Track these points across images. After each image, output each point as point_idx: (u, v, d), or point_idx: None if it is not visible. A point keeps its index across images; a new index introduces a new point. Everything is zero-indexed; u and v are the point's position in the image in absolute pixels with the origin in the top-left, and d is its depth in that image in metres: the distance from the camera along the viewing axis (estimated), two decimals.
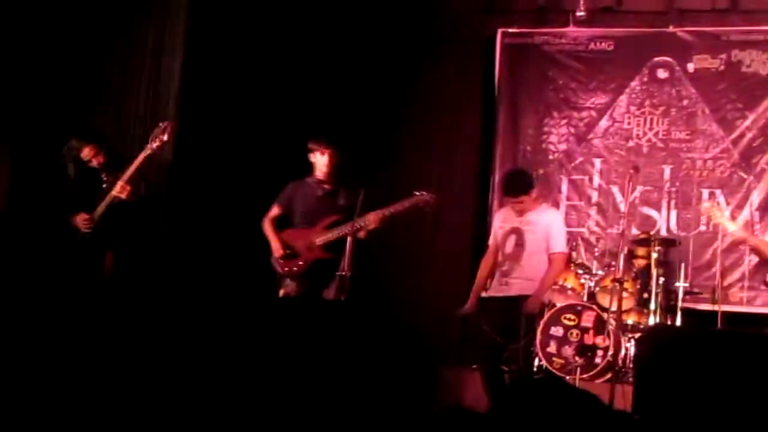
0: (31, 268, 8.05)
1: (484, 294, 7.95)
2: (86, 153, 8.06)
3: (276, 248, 8.31)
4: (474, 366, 8.37)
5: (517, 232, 7.74)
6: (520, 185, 7.78)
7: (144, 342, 6.48)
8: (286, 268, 8.27)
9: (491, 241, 8.03)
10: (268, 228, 8.41)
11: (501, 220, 7.94)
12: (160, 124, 8.20)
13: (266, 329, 6.26)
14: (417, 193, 8.17)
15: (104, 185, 8.05)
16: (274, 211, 8.42)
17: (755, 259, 9.65)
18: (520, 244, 7.70)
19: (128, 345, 6.44)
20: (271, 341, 6.13)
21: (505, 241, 7.77)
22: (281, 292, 8.25)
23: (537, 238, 7.69)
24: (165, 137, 8.02)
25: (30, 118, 9.14)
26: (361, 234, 7.99)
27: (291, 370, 6.02)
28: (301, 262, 8.22)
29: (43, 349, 6.30)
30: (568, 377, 8.51)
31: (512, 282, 7.71)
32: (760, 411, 5.07)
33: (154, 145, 7.98)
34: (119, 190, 7.90)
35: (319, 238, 8.19)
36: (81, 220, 8.00)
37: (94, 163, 8.08)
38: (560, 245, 7.80)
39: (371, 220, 7.99)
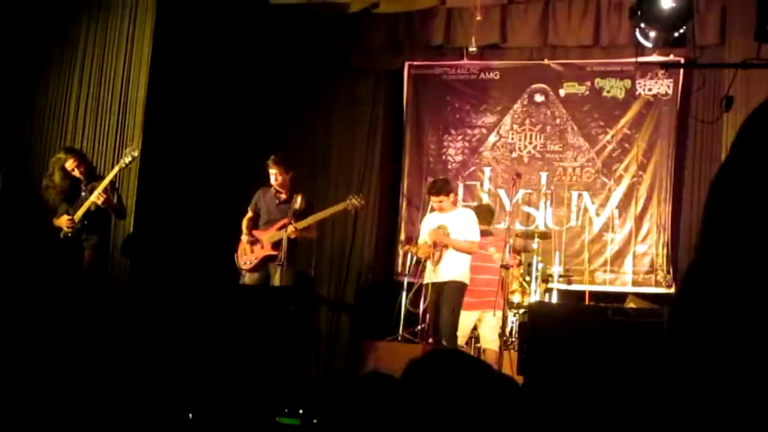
0: (16, 264, 8.16)
1: (422, 281, 8.32)
2: (70, 164, 8.16)
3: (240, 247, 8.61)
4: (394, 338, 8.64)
5: (441, 228, 8.17)
6: (442, 188, 8.24)
7: (124, 329, 6.58)
8: (242, 262, 8.52)
9: (420, 237, 8.51)
10: (243, 229, 8.60)
11: (428, 221, 8.42)
12: (131, 143, 8.36)
13: (227, 311, 6.48)
14: (350, 198, 8.42)
15: (83, 193, 8.17)
16: (249, 214, 8.64)
17: (616, 247, 9.95)
18: (446, 235, 8.12)
19: (111, 333, 6.54)
20: (229, 319, 6.36)
21: (435, 236, 8.19)
22: (241, 282, 8.47)
23: (458, 232, 8.11)
24: (135, 153, 8.15)
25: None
26: (293, 234, 8.21)
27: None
28: (254, 257, 8.46)
29: (31, 340, 6.31)
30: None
31: (441, 268, 8.06)
32: (618, 366, 5.38)
33: (126, 159, 8.11)
34: (96, 197, 8.01)
35: (268, 238, 8.42)
36: (64, 221, 8.09)
37: (77, 173, 8.16)
38: (474, 235, 8.18)
39: (303, 222, 8.24)
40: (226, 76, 10.16)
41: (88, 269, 8.05)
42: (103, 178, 8.10)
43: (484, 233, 8.63)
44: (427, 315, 8.26)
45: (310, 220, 8.27)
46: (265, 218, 8.53)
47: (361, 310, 10.28)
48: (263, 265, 8.41)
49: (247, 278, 8.45)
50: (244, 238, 8.54)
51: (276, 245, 8.27)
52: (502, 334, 8.31)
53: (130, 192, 8.77)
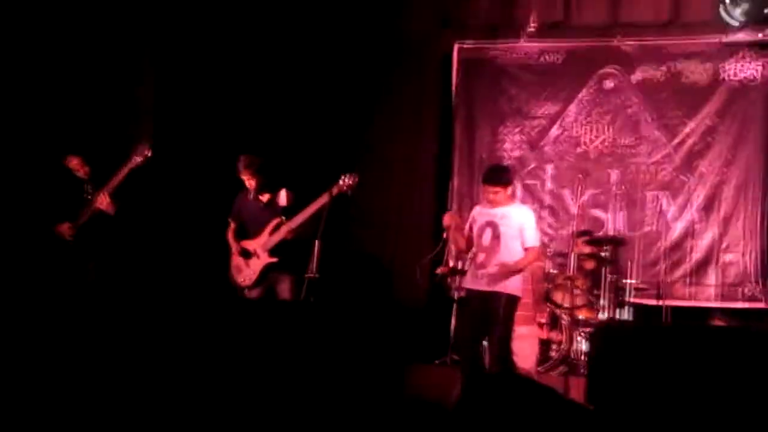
0: (19, 273, 8.11)
1: (463, 285, 7.94)
2: (74, 164, 8.10)
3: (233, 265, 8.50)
4: (443, 361, 8.41)
5: (492, 225, 7.65)
6: (501, 177, 7.75)
7: (127, 341, 6.52)
8: (240, 281, 8.42)
9: (466, 229, 7.89)
10: (230, 242, 8.55)
11: (478, 214, 7.84)
12: (143, 141, 8.26)
13: (232, 330, 6.35)
14: (341, 178, 8.21)
15: (88, 196, 8.10)
16: (231, 225, 8.57)
17: (699, 255, 9.82)
18: (496, 237, 7.62)
19: (113, 344, 6.49)
20: (236, 341, 6.23)
21: (481, 234, 7.69)
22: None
23: (511, 233, 7.60)
24: (148, 152, 8.06)
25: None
26: (288, 234, 8.14)
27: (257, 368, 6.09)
28: (251, 272, 8.36)
29: (31, 348, 6.32)
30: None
31: (488, 273, 7.57)
32: (701, 397, 5.23)
33: (137, 159, 8.02)
34: (100, 201, 7.93)
35: (262, 245, 8.32)
36: (65, 228, 8.03)
37: (81, 173, 8.11)
38: (533, 239, 7.66)
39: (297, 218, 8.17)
40: (248, 64, 10.19)
41: (92, 280, 8.10)
42: (110, 179, 8.09)
43: None
44: (456, 327, 7.97)
45: (304, 214, 8.13)
46: (252, 226, 8.48)
47: (405, 329, 10.08)
48: (264, 277, 8.35)
49: (251, 294, 8.41)
50: (234, 251, 8.45)
51: (274, 251, 8.21)
52: (567, 356, 8.27)
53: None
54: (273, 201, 8.40)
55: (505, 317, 7.55)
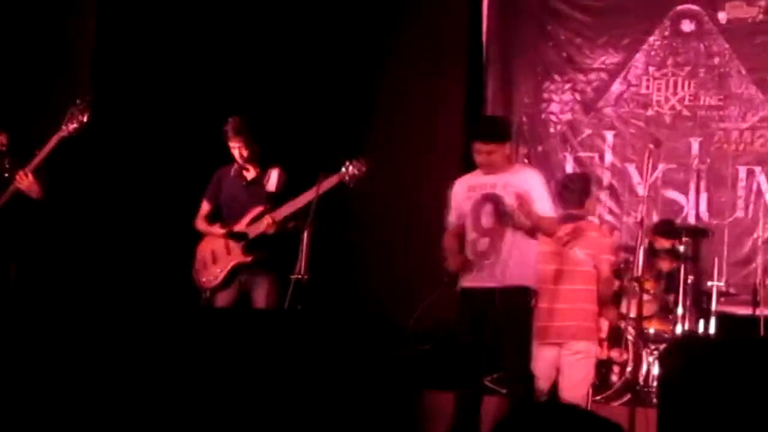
0: None
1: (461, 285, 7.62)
2: None
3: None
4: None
5: (493, 199, 7.43)
6: (497, 130, 7.62)
7: (53, 357, 6.57)
8: (203, 280, 8.44)
9: (452, 219, 7.70)
10: (203, 228, 8.58)
11: (466, 188, 7.63)
12: (78, 101, 8.15)
13: (191, 344, 6.36)
14: (347, 165, 8.23)
15: (5, 174, 8.08)
16: (204, 207, 8.61)
17: None
18: (502, 213, 7.39)
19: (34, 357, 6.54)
20: (195, 357, 6.24)
21: (478, 214, 7.46)
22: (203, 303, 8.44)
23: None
24: (84, 117, 7.99)
25: None
26: (270, 227, 8.20)
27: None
28: (218, 270, 8.39)
29: None
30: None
31: (494, 266, 7.38)
32: None
33: (71, 126, 7.97)
34: (20, 180, 7.91)
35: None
36: None
37: None
38: (550, 211, 7.50)
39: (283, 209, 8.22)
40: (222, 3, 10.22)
41: (13, 284, 8.11)
42: (34, 154, 8.06)
43: (566, 219, 8.18)
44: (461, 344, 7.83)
45: (293, 205, 8.15)
46: (228, 211, 8.51)
47: (415, 346, 10.04)
48: (233, 279, 8.37)
49: (218, 299, 8.43)
50: (205, 242, 8.49)
51: (250, 247, 8.22)
52: (633, 382, 8.28)
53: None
54: (258, 181, 8.46)
55: (523, 319, 7.46)
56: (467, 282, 7.52)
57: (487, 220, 7.45)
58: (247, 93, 10.02)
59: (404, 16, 10.77)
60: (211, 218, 8.58)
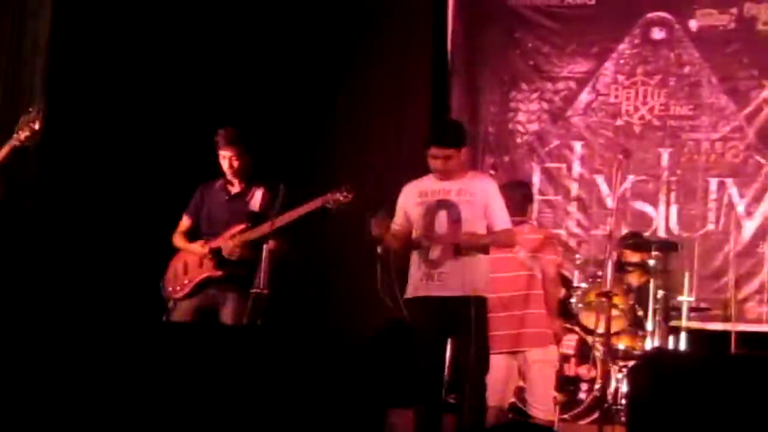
0: None
1: (407, 295, 7.51)
2: None
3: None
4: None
5: (447, 205, 7.31)
6: (454, 135, 7.45)
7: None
8: (169, 288, 8.37)
9: (397, 225, 7.53)
10: (181, 245, 8.48)
11: (417, 194, 7.47)
12: (31, 109, 8.14)
13: (151, 359, 6.29)
14: (332, 192, 8.19)
15: None
16: (185, 223, 8.51)
17: None
18: (455, 220, 7.27)
19: None
20: (155, 372, 6.16)
21: (431, 219, 7.32)
22: (167, 317, 8.35)
23: (476, 213, 7.30)
24: (36, 126, 7.94)
25: None
26: (233, 250, 8.15)
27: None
28: (186, 281, 8.31)
29: None
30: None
31: (449, 275, 7.29)
32: None
33: (23, 135, 7.91)
34: None
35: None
36: None
37: None
38: (506, 221, 7.42)
39: (251, 231, 8.14)
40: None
41: None
42: None
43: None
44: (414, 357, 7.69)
45: (265, 228, 8.03)
46: (207, 226, 8.44)
47: (384, 361, 10.01)
48: (199, 291, 8.32)
49: (179, 309, 8.32)
50: (180, 254, 8.44)
51: (223, 262, 8.19)
52: (602, 399, 8.30)
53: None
54: (242, 197, 8.38)
55: (478, 330, 7.27)
56: (416, 292, 7.40)
57: (440, 227, 7.33)
58: (208, 101, 9.96)
59: (369, 21, 10.71)
60: (190, 234, 8.48)
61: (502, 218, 7.36)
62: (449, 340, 7.51)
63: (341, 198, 8.15)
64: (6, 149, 7.95)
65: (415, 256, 7.46)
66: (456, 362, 7.49)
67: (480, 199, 7.31)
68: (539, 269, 8.02)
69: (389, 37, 10.77)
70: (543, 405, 8.09)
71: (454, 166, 7.29)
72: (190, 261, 8.35)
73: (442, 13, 10.73)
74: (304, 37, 10.63)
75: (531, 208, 8.75)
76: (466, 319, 7.17)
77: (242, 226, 8.16)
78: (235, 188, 8.39)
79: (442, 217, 7.31)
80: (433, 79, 10.77)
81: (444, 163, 7.26)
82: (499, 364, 7.93)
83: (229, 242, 8.17)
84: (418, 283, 7.38)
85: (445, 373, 7.52)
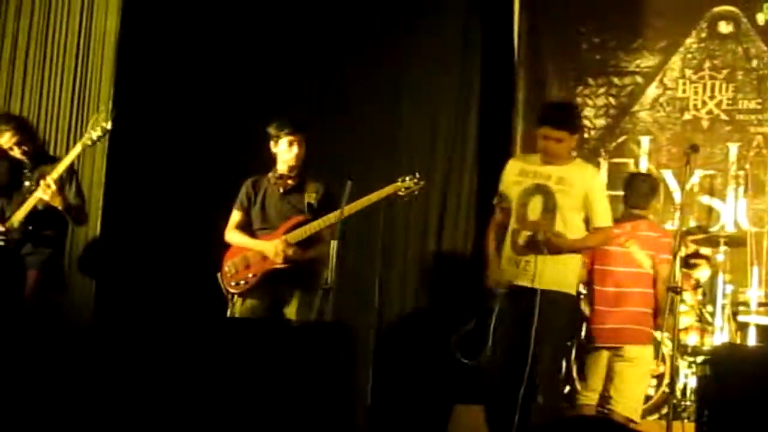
0: None
1: (493, 274, 7.48)
2: (7, 139, 8.10)
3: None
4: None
5: (544, 191, 7.29)
6: (570, 118, 7.43)
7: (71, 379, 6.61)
8: (232, 284, 8.33)
9: (495, 202, 7.54)
10: (237, 240, 8.39)
11: (518, 171, 7.48)
12: (101, 108, 8.31)
13: (220, 355, 6.34)
14: (400, 180, 8.17)
15: (27, 183, 8.12)
16: (236, 217, 8.45)
17: None
18: (549, 210, 7.23)
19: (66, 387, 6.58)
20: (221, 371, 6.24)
21: (525, 203, 7.27)
22: (229, 313, 8.28)
23: (573, 204, 7.28)
24: (108, 125, 8.00)
25: None
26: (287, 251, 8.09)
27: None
28: (250, 275, 8.26)
29: None
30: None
31: (535, 266, 7.18)
32: None
33: (94, 134, 7.99)
34: (45, 191, 7.91)
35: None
36: None
37: (17, 152, 8.11)
38: (607, 218, 7.41)
39: (302, 229, 8.13)
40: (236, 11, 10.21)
41: (33, 297, 8.06)
42: (56, 161, 8.11)
43: (626, 218, 8.32)
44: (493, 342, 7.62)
45: (333, 217, 7.95)
46: (262, 221, 8.37)
47: (449, 359, 9.99)
48: (264, 285, 8.25)
49: (239, 306, 8.29)
50: (235, 249, 8.37)
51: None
52: (670, 395, 8.13)
53: (94, 185, 8.88)
54: (298, 191, 8.32)
55: (562, 329, 7.35)
56: (505, 275, 7.33)
57: (532, 213, 7.28)
58: (274, 100, 10.01)
59: (428, 19, 10.69)
60: (243, 230, 8.42)
61: (602, 214, 7.34)
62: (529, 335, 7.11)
63: (413, 185, 8.10)
64: (77, 149, 8.10)
65: (507, 235, 7.36)
66: (533, 357, 7.14)
67: (579, 190, 7.27)
68: (651, 267, 8.10)
69: (453, 32, 10.66)
70: (630, 403, 8.18)
71: (563, 151, 7.28)
72: (251, 255, 8.25)
73: (509, 7, 10.63)
74: (360, 33, 10.62)
75: (654, 202, 8.80)
76: (547, 315, 7.06)
77: (301, 218, 8.10)
78: (290, 182, 8.31)
79: (535, 204, 7.27)
80: (498, 76, 10.62)
81: (555, 145, 7.25)
82: (595, 359, 8.12)
83: (290, 234, 8.11)
84: (506, 265, 7.30)
85: (525, 368, 7.12)
